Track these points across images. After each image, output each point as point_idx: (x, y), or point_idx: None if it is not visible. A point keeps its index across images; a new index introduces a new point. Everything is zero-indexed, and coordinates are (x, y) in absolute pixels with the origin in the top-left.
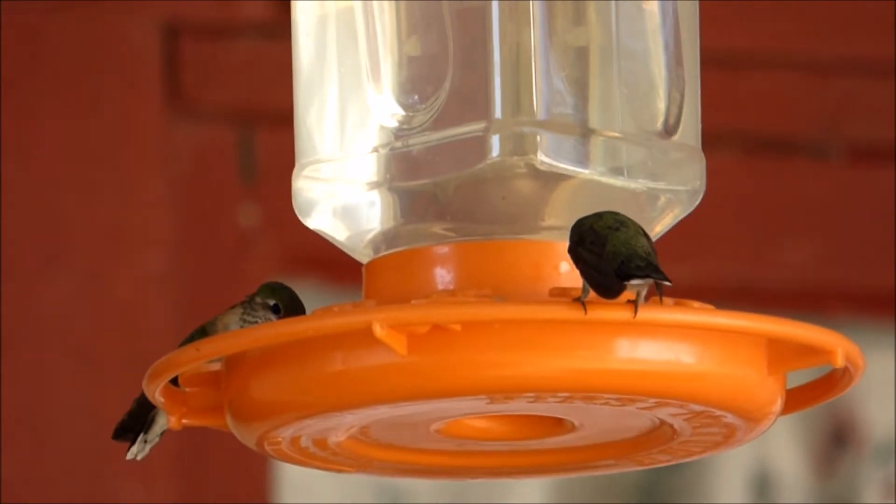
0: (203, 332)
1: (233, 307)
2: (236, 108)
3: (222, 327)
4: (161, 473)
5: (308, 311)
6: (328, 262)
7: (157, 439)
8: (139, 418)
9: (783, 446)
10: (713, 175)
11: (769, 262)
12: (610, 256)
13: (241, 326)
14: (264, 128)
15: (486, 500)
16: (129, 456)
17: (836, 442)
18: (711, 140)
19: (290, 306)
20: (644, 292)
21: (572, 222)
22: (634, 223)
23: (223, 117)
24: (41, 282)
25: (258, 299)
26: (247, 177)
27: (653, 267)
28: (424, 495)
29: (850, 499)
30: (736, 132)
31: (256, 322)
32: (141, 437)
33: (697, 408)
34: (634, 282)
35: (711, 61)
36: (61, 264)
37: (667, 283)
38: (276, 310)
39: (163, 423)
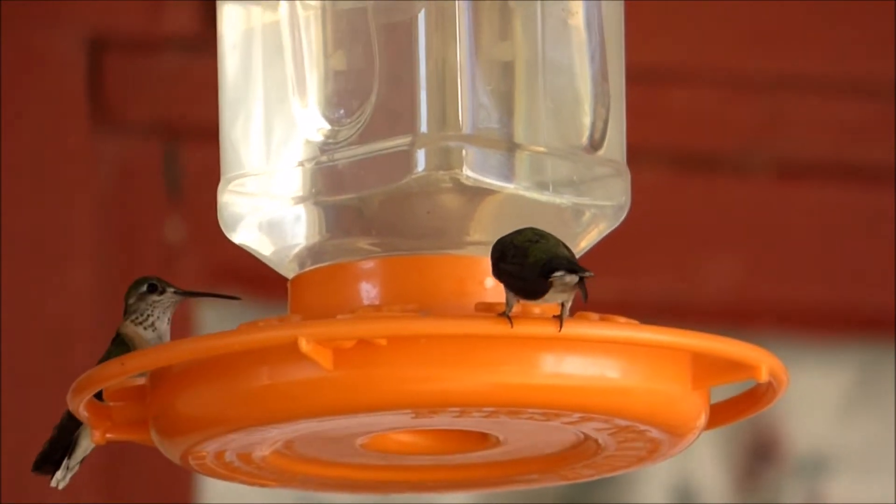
0: (122, 343)
1: (127, 320)
2: (162, 122)
3: (128, 340)
4: (86, 488)
5: (235, 326)
6: (254, 276)
7: (77, 466)
8: (60, 444)
9: (706, 461)
10: (638, 190)
11: (694, 278)
12: (532, 263)
13: (137, 331)
14: (190, 142)
15: None
16: (54, 483)
17: (759, 456)
18: (637, 155)
19: (161, 283)
20: (569, 305)
21: (497, 237)
22: (554, 237)
23: (148, 131)
24: None
25: (130, 300)
26: (172, 191)
27: (574, 263)
28: None
29: None
30: (661, 148)
31: (148, 319)
32: (65, 462)
33: (622, 422)
34: (557, 274)
35: (637, 77)
36: None
37: (588, 275)
38: (152, 289)
39: (85, 445)
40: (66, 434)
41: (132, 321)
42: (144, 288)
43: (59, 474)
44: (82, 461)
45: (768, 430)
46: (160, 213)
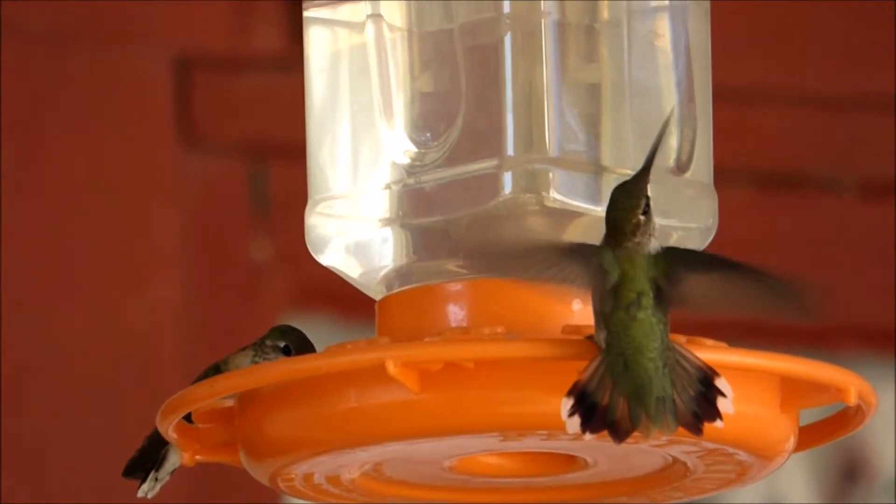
0: (217, 370)
1: (244, 348)
2: (248, 142)
3: (234, 367)
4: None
5: (320, 346)
6: (341, 296)
7: (167, 477)
8: (150, 456)
9: (795, 481)
10: (725, 210)
11: None
12: (636, 390)
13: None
14: (277, 161)
15: None
16: (140, 493)
17: (848, 477)
18: (723, 175)
19: (300, 348)
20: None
21: None
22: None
23: (235, 150)
24: (54, 314)
25: (268, 342)
26: (259, 210)
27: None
28: None
29: None
30: (748, 168)
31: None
32: (152, 474)
33: (710, 445)
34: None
35: (723, 97)
36: (74, 297)
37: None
38: (287, 351)
39: (174, 460)
40: (155, 447)
41: (252, 358)
42: (283, 346)
43: (145, 486)
44: (172, 472)
45: (858, 450)
46: (247, 233)
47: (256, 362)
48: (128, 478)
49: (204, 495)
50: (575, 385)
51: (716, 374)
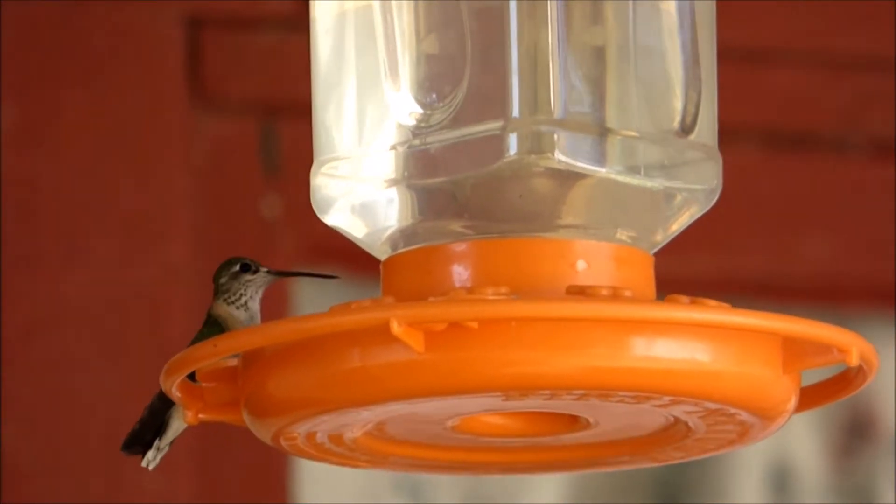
0: (214, 323)
1: (215, 298)
2: (259, 100)
3: (220, 320)
4: (182, 467)
5: (331, 304)
6: (350, 253)
7: (167, 447)
8: (151, 426)
9: (802, 439)
10: (732, 170)
11: (789, 257)
12: None
13: (229, 311)
14: (287, 119)
15: (502, 496)
16: (144, 463)
17: (856, 435)
18: (730, 135)
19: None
20: None
21: (589, 220)
22: None
23: (246, 109)
24: (63, 272)
25: (222, 280)
26: (269, 168)
27: None
28: (442, 490)
29: (869, 492)
30: (754, 127)
31: (241, 299)
32: (156, 443)
33: (712, 406)
34: None
35: (729, 57)
36: (83, 255)
37: None
38: (245, 269)
39: (177, 426)
40: (156, 416)
41: (224, 301)
42: (237, 268)
43: (150, 455)
44: (172, 442)
45: (865, 408)
46: (257, 191)
47: (228, 300)
48: (127, 452)
49: (213, 453)
50: None
51: None
